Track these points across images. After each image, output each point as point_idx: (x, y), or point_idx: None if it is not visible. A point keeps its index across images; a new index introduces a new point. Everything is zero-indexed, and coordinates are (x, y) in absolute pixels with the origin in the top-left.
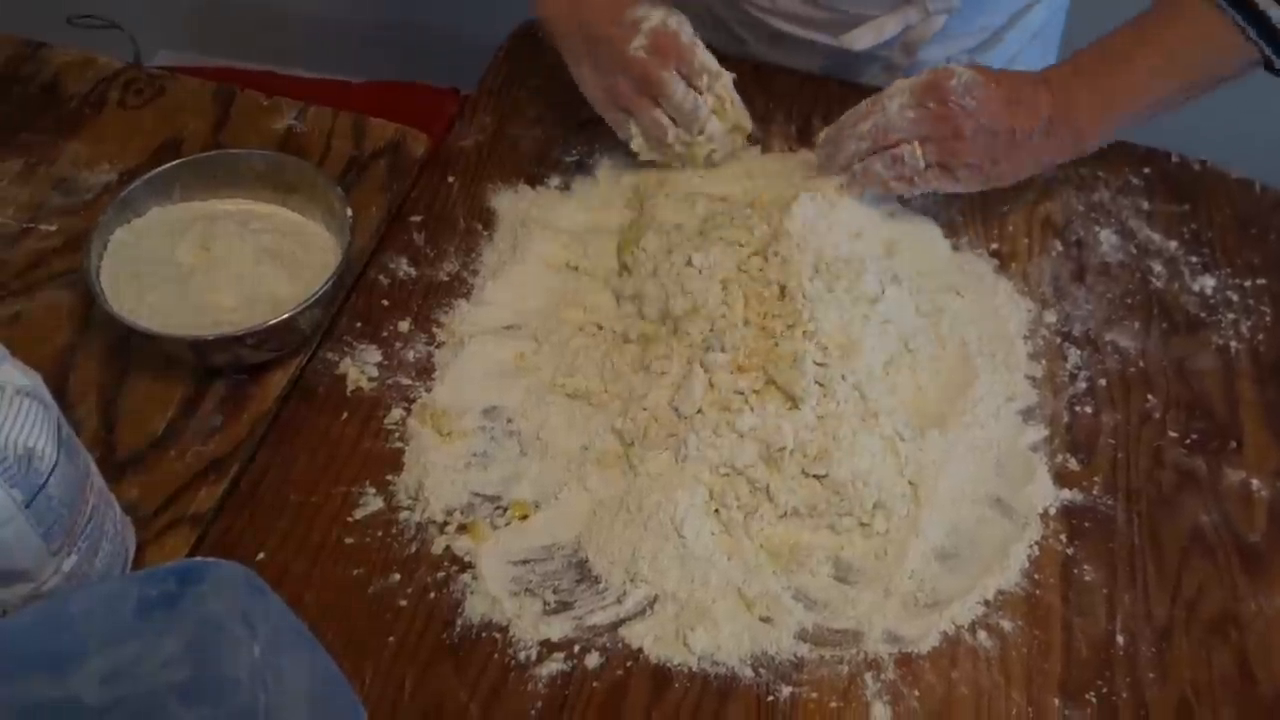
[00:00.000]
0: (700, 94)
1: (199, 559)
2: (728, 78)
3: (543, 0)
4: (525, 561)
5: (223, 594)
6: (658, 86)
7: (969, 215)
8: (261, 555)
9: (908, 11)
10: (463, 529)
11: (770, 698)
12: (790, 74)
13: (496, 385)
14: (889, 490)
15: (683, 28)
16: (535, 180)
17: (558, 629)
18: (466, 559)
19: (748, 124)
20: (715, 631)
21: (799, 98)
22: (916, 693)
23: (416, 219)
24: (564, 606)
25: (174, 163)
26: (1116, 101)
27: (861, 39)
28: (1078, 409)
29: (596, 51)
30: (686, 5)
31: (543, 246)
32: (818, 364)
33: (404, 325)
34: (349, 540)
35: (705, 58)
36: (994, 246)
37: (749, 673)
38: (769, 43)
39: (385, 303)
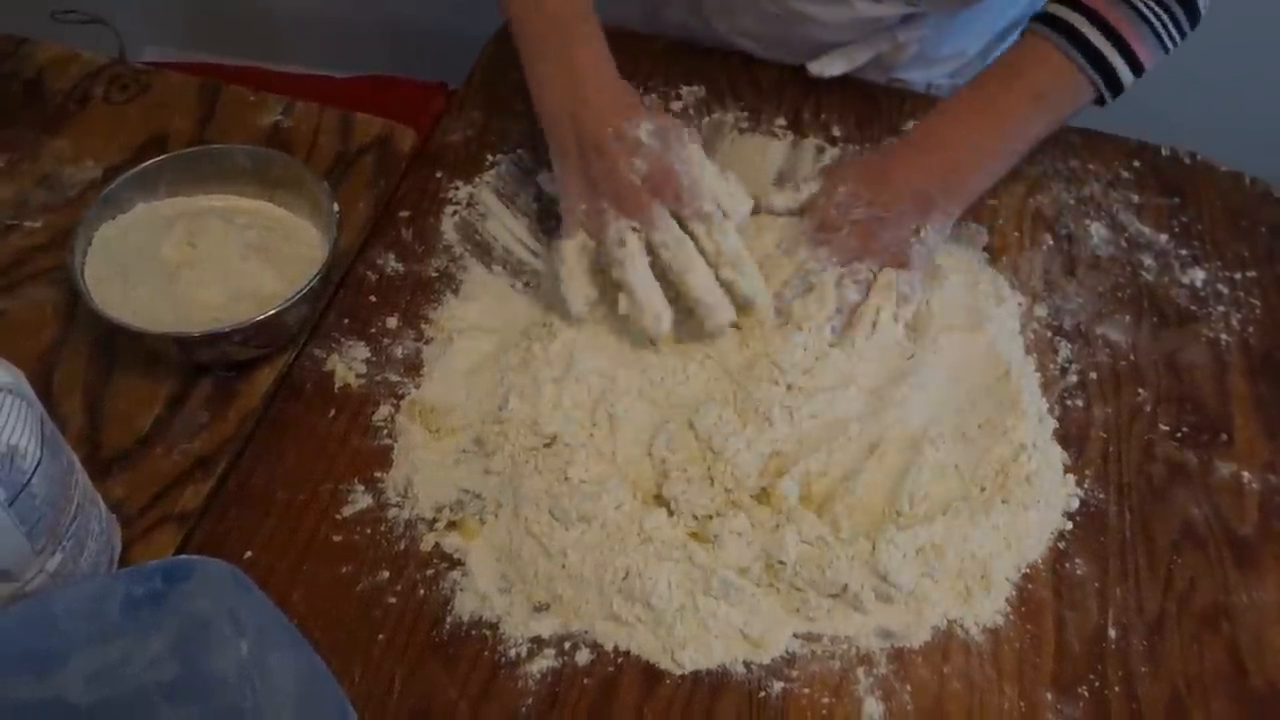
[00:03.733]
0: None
1: (185, 557)
2: (731, 225)
3: (539, 93)
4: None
5: (209, 592)
6: (647, 220)
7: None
8: (249, 553)
9: (877, 40)
10: (452, 526)
11: (762, 694)
12: (780, 66)
13: (486, 380)
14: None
15: (681, 156)
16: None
17: (547, 626)
18: (456, 556)
19: (754, 296)
20: (706, 652)
21: (788, 90)
22: (909, 688)
23: (404, 214)
24: (554, 603)
25: (159, 158)
26: (990, 146)
27: (831, 66)
28: (1069, 403)
29: (588, 162)
30: (664, 25)
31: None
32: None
33: (392, 321)
34: (337, 538)
35: (705, 203)
36: (984, 240)
37: (740, 669)
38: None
39: (373, 299)
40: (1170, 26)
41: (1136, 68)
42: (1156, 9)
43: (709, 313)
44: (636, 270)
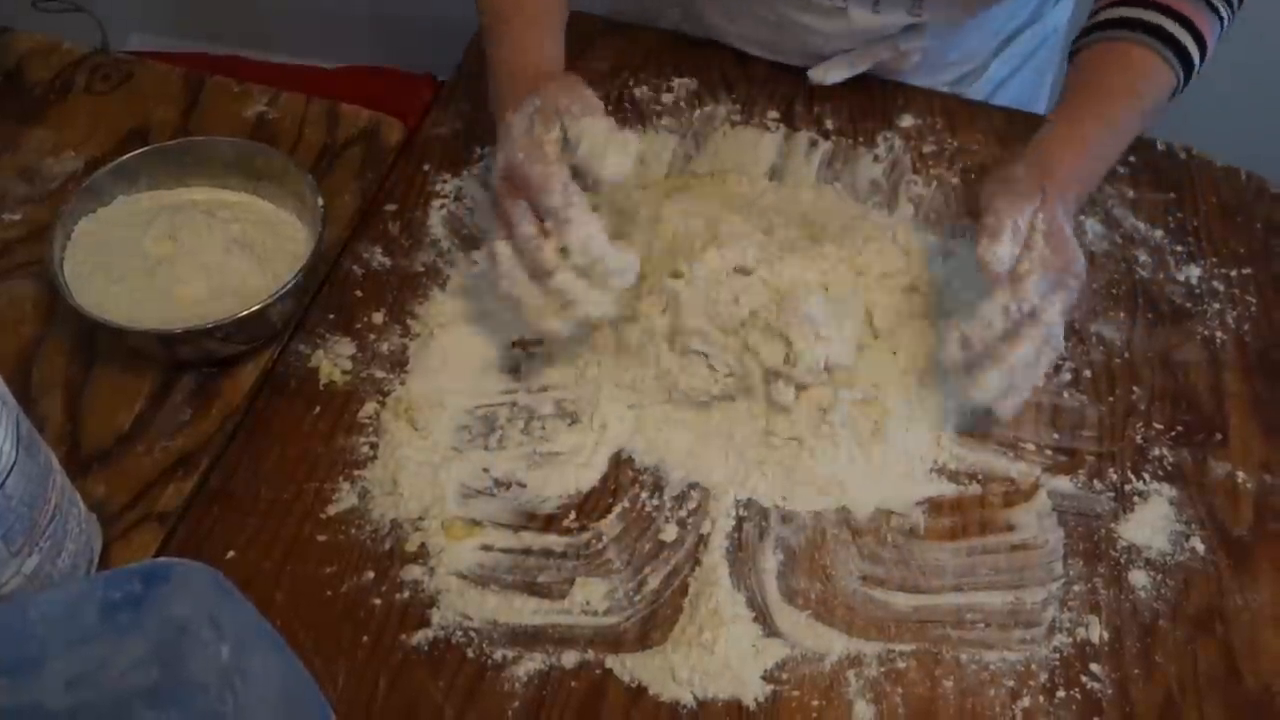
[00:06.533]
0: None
1: (163, 559)
2: (588, 229)
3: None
4: (506, 553)
5: (189, 595)
6: (503, 222)
7: (955, 204)
8: (231, 553)
9: (878, 48)
10: (438, 525)
11: (752, 696)
12: (772, 63)
13: (473, 378)
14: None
15: (533, 143)
16: None
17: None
18: (442, 555)
19: (619, 279)
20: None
21: (781, 83)
22: (900, 690)
23: (391, 208)
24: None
25: (141, 150)
26: (1098, 161)
27: (831, 74)
28: (1062, 401)
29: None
30: (659, 20)
31: None
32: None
33: (378, 317)
34: (321, 537)
35: (558, 200)
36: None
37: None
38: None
39: (359, 294)
40: (1232, 10)
41: (1204, 50)
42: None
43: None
44: (513, 282)
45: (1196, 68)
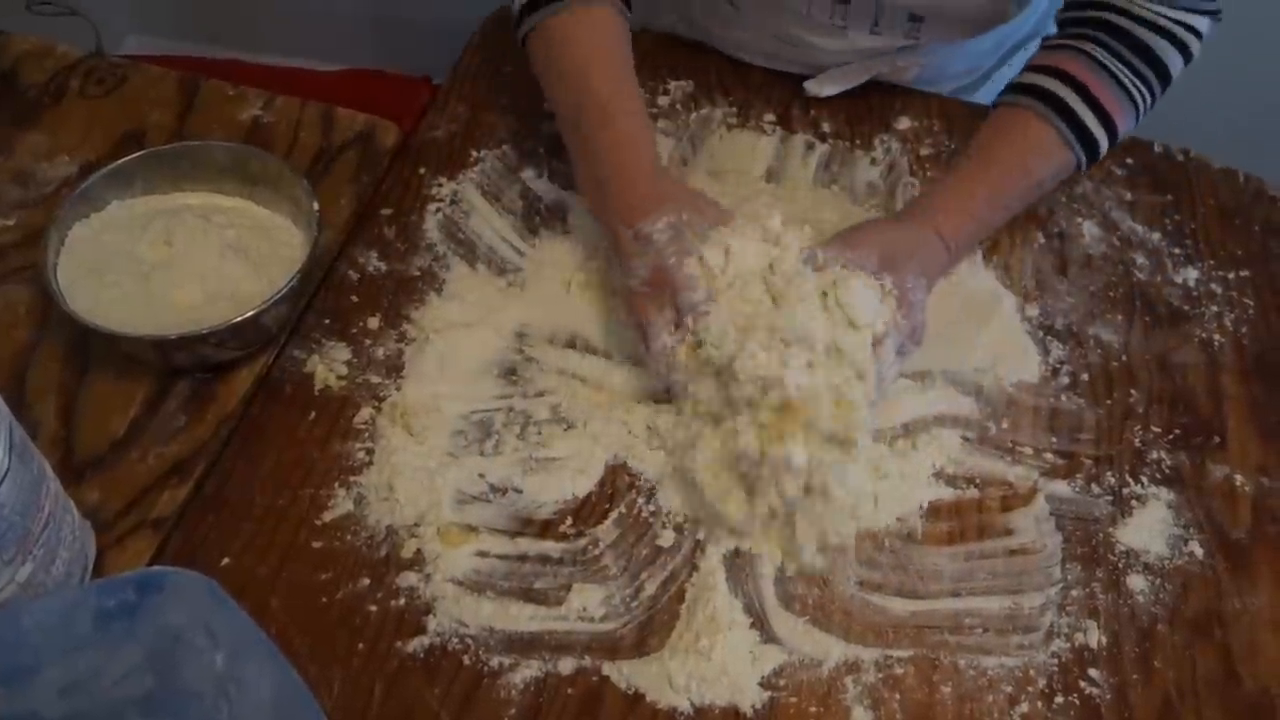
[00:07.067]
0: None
1: (157, 568)
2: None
3: (580, 190)
4: (503, 559)
5: (183, 603)
6: (643, 328)
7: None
8: (226, 560)
9: (876, 63)
10: (434, 532)
11: (750, 704)
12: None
13: (469, 383)
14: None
15: (685, 251)
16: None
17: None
18: (438, 562)
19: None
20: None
21: (777, 86)
22: (898, 696)
23: (387, 212)
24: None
25: (135, 155)
26: (981, 228)
27: (827, 87)
28: (1060, 404)
29: (616, 260)
30: (654, 24)
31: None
32: None
33: (373, 322)
34: (317, 544)
35: (701, 296)
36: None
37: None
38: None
39: (354, 299)
40: (1148, 100)
41: (1114, 140)
42: (1139, 85)
43: None
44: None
45: (1102, 149)
